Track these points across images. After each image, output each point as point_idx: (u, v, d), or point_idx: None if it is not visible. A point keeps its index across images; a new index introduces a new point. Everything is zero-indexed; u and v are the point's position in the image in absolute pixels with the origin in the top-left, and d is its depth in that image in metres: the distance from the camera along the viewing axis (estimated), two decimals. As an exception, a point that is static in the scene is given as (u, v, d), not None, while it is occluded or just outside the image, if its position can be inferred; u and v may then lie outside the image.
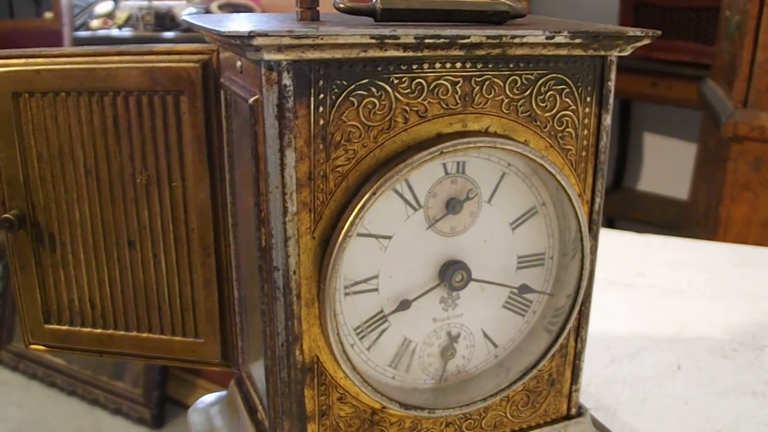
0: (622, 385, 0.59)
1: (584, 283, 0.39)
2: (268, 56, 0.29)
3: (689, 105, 2.22)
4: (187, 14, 0.40)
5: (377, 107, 0.32)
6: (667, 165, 2.47)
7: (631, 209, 2.48)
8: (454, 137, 0.33)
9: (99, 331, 0.47)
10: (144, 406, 2.02)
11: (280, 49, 0.29)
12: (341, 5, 0.32)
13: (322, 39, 0.29)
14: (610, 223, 2.51)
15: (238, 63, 0.34)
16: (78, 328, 0.47)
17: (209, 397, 0.49)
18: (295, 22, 0.33)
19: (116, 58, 0.41)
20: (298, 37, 0.28)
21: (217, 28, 0.30)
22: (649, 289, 0.77)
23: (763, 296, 0.74)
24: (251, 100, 0.31)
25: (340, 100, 0.31)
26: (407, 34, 0.30)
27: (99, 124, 0.42)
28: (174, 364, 0.48)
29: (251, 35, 0.28)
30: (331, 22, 0.33)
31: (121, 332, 0.47)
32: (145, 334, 0.47)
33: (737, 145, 1.55)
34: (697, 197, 2.04)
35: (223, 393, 0.48)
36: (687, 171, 2.28)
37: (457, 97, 0.33)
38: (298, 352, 0.34)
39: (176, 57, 0.41)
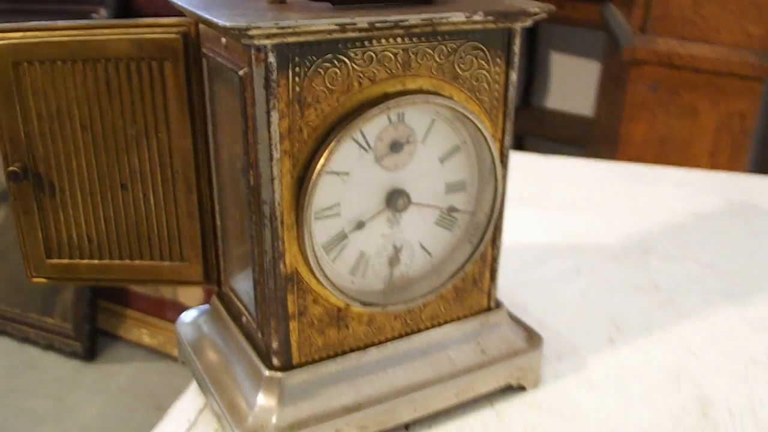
0: (531, 286, 0.71)
1: (498, 203, 0.51)
2: (258, 42, 0.38)
3: (593, 25, 2.36)
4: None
5: (338, 75, 0.41)
6: (572, 83, 2.60)
7: (539, 127, 2.62)
8: (396, 95, 0.43)
9: (96, 261, 0.56)
10: (75, 339, 2.06)
11: (268, 36, 0.38)
12: (306, -6, 0.41)
13: (299, 28, 0.38)
14: (520, 142, 2.65)
15: (223, 40, 0.43)
16: (77, 261, 0.56)
17: (193, 311, 0.59)
18: (266, 7, 0.42)
19: (107, 30, 0.49)
20: (282, 28, 0.37)
21: (216, 20, 0.39)
22: (552, 204, 0.89)
23: (650, 208, 0.88)
24: (241, 72, 0.40)
25: (310, 71, 0.40)
26: (362, 21, 0.39)
27: (93, 86, 0.50)
28: (163, 285, 0.57)
29: (249, 28, 0.37)
30: (296, 7, 0.42)
31: (116, 261, 0.56)
32: (137, 262, 0.56)
33: (636, 68, 1.68)
34: (601, 116, 2.18)
35: (205, 306, 0.58)
36: (592, 89, 2.43)
37: (398, 64, 0.43)
38: (282, 266, 0.44)
39: (160, 29, 0.48)
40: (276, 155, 0.41)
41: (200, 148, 0.52)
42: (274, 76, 0.39)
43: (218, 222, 0.52)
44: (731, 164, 1.73)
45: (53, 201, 0.54)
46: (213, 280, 0.56)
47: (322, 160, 0.42)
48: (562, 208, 0.88)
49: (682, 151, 1.75)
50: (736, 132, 1.69)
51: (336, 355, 0.49)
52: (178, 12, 0.48)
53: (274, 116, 0.40)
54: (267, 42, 0.38)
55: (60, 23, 0.49)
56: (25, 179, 0.53)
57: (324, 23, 0.39)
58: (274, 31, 0.37)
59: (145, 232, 0.54)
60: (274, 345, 0.47)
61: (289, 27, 0.38)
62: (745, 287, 0.71)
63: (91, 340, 2.07)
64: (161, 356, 2.10)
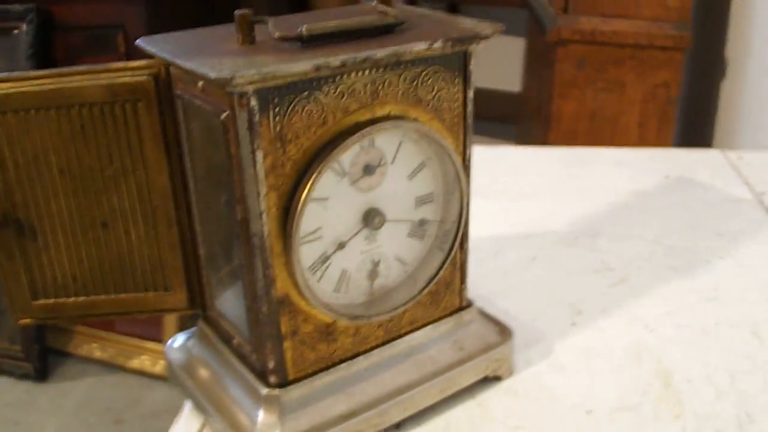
0: (492, 277, 0.75)
1: (464, 210, 0.54)
2: (240, 88, 0.40)
3: (514, 4, 2.42)
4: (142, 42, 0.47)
5: (314, 111, 0.44)
6: (498, 61, 2.66)
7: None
8: (367, 124, 0.46)
9: (83, 299, 0.57)
10: (25, 360, 2.03)
11: (250, 83, 0.40)
12: (277, 35, 0.44)
13: (279, 72, 0.40)
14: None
15: (200, 84, 0.45)
16: (63, 300, 0.57)
17: (181, 336, 0.61)
18: (237, 49, 0.44)
19: (79, 77, 0.50)
20: (264, 74, 0.40)
21: (199, 71, 0.41)
22: (500, 195, 0.93)
23: (593, 190, 0.93)
24: (223, 116, 0.43)
25: (289, 110, 0.43)
26: (335, 60, 0.42)
27: (68, 131, 0.52)
28: (148, 314, 0.59)
29: (233, 78, 0.39)
30: (267, 47, 0.44)
31: (102, 297, 0.57)
32: (123, 295, 0.57)
33: (562, 47, 1.74)
34: (529, 93, 2.24)
35: (191, 331, 0.60)
36: (518, 65, 2.50)
37: (367, 95, 0.46)
38: (273, 291, 0.47)
39: (131, 72, 0.50)
40: (263, 191, 0.44)
41: (177, 181, 0.54)
42: (257, 118, 0.42)
43: (201, 251, 0.54)
44: (659, 133, 1.82)
45: (35, 244, 0.55)
46: (197, 306, 0.58)
47: (306, 191, 0.45)
48: (509, 199, 0.92)
49: (612, 124, 1.82)
50: (662, 102, 1.77)
51: (327, 368, 0.52)
52: (146, 54, 0.50)
53: (259, 155, 0.43)
54: (249, 87, 0.41)
55: (32, 73, 0.51)
56: (6, 227, 0.54)
57: (301, 66, 0.41)
58: (257, 77, 0.40)
59: (128, 267, 0.56)
60: (270, 364, 0.50)
61: (270, 73, 0.40)
62: (690, 260, 0.76)
63: (42, 360, 2.04)
64: (114, 369, 2.09)
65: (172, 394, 2.02)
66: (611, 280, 0.74)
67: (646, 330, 0.66)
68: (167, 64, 0.49)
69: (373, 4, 0.51)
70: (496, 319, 0.61)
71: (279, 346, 0.49)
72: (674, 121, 1.79)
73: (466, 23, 0.50)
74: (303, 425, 0.50)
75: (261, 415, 0.50)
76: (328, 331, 0.51)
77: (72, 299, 0.57)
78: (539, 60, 1.94)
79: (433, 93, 0.49)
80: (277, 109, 0.43)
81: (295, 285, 0.48)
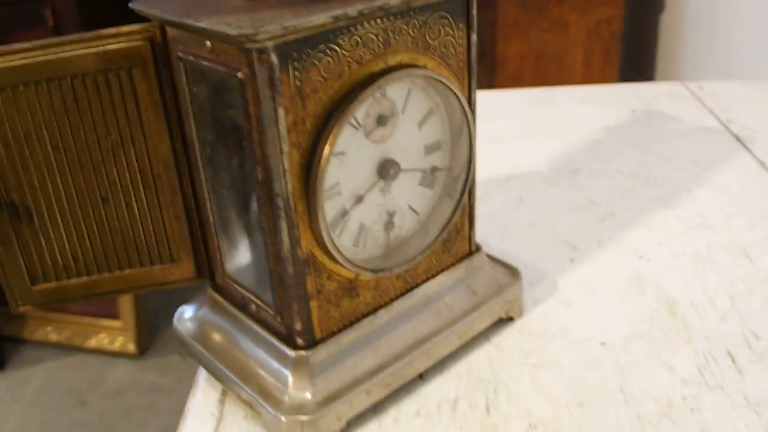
0: (484, 220, 0.75)
1: (472, 155, 0.54)
2: (261, 44, 0.39)
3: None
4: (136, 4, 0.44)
5: (331, 63, 0.43)
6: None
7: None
8: (381, 74, 0.45)
9: (86, 279, 0.55)
10: (-21, 351, 1.97)
11: (272, 38, 0.39)
12: (286, -12, 0.42)
13: (300, 25, 0.39)
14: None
15: (208, 43, 0.43)
16: (65, 282, 0.55)
17: (187, 307, 0.59)
18: (242, 5, 0.43)
19: (69, 46, 0.48)
20: (287, 28, 0.38)
21: (214, 28, 0.39)
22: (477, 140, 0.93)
23: (564, 129, 0.94)
24: (240, 74, 0.41)
25: (307, 64, 0.42)
26: (353, 10, 0.41)
27: (60, 105, 0.49)
28: (155, 289, 0.57)
29: (256, 33, 0.37)
30: (271, 2, 0.43)
31: (106, 275, 0.55)
32: (127, 271, 0.55)
33: (501, -9, 1.72)
34: None
35: (198, 301, 0.59)
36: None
37: (380, 44, 0.45)
38: (299, 251, 0.46)
39: (125, 38, 0.48)
40: (285, 149, 0.43)
41: (179, 148, 0.52)
42: (278, 74, 0.40)
43: (210, 218, 0.53)
44: (604, 69, 1.84)
45: (32, 227, 0.53)
46: (205, 275, 0.57)
47: (327, 147, 0.44)
48: (486, 142, 0.92)
49: (558, 63, 1.84)
50: (605, 38, 1.79)
51: (351, 324, 0.52)
52: (139, 17, 0.48)
53: (281, 113, 0.41)
54: (270, 43, 0.39)
55: (15, 46, 0.48)
56: (0, 212, 0.51)
57: (321, 18, 0.40)
58: (279, 32, 0.38)
59: (131, 241, 0.54)
60: (297, 326, 0.49)
61: (292, 27, 0.39)
62: (671, 190, 0.78)
63: (-3, 348, 1.99)
64: (72, 351, 2.05)
65: (135, 369, 2.00)
66: (599, 215, 0.75)
67: (642, 260, 0.67)
68: (162, 27, 0.47)
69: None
70: (503, 261, 0.62)
71: (306, 307, 0.49)
72: (618, 56, 1.81)
73: (466, -35, 0.49)
74: (333, 385, 0.50)
75: (291, 379, 0.49)
76: (351, 287, 0.51)
77: (74, 280, 0.55)
78: (479, 4, 1.92)
79: (440, 39, 0.49)
80: (296, 64, 0.41)
81: (319, 243, 0.47)
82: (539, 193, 0.80)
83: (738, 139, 0.88)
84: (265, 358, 0.52)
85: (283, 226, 0.46)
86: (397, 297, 0.54)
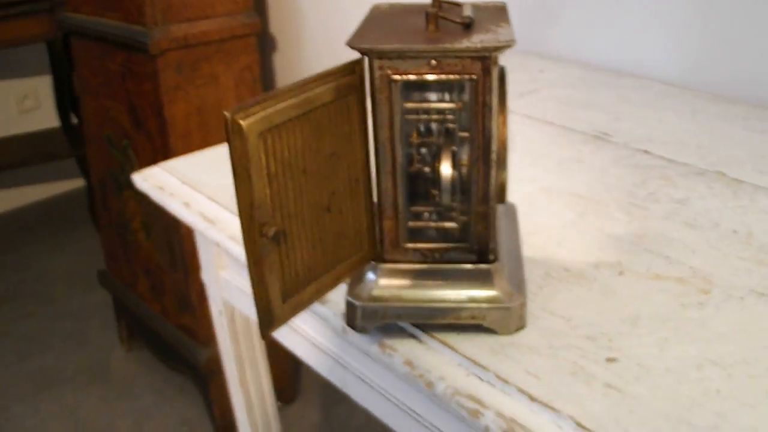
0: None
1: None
2: (491, 53, 0.60)
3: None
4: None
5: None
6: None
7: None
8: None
9: (313, 284, 0.65)
10: None
11: (495, 48, 0.61)
12: (458, 20, 0.64)
13: (500, 42, 0.62)
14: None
15: (433, 62, 0.62)
16: (301, 292, 0.64)
17: (362, 288, 0.72)
18: (434, 31, 0.63)
19: (315, 83, 0.59)
20: (501, 42, 0.61)
21: (454, 46, 0.59)
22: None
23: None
24: (474, 77, 0.61)
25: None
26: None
27: (309, 133, 0.60)
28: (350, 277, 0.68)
29: (495, 46, 0.60)
30: (442, 30, 0.64)
31: (325, 275, 0.66)
32: (338, 267, 0.67)
33: (161, 57, 1.91)
34: (118, 111, 2.22)
35: (365, 282, 0.72)
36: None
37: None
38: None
39: (348, 71, 0.62)
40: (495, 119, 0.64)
41: (368, 153, 0.67)
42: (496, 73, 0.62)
43: (392, 203, 0.68)
44: (253, 109, 2.13)
45: (285, 247, 0.62)
46: (377, 254, 0.71)
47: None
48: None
49: (216, 112, 2.07)
50: (249, 83, 2.09)
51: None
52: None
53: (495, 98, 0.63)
54: (495, 53, 0.61)
55: (281, 90, 0.58)
56: (277, 242, 0.60)
57: (507, 36, 0.63)
58: (496, 45, 0.60)
59: (342, 240, 0.67)
60: (491, 245, 0.69)
61: (504, 42, 0.61)
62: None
63: None
64: None
65: None
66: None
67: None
68: (363, 62, 0.63)
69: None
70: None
71: (494, 229, 0.70)
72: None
73: None
74: (514, 281, 0.72)
75: (496, 281, 0.69)
76: (502, 212, 0.73)
77: (307, 289, 0.65)
78: (143, 75, 1.98)
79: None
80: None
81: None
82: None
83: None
84: (467, 279, 0.70)
85: (493, 174, 0.66)
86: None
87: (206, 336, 2.04)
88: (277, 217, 0.60)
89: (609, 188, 0.91)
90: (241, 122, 0.54)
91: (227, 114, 0.53)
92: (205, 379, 2.07)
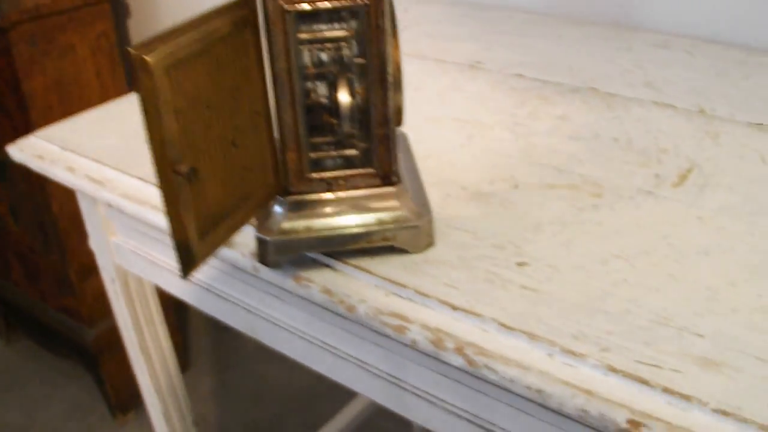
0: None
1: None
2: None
3: None
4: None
5: (393, -22, 0.68)
6: None
7: None
8: None
9: (226, 222, 0.66)
10: None
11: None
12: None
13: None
14: None
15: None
16: (215, 230, 0.65)
17: (270, 223, 0.74)
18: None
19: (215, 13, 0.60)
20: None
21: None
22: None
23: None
24: (363, 2, 0.64)
25: (395, -23, 0.67)
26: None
27: (211, 68, 0.61)
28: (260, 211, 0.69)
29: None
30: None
31: (237, 211, 0.67)
32: (248, 202, 0.68)
33: (14, 31, 1.81)
34: None
35: (272, 216, 0.74)
36: None
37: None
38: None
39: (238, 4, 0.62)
40: (390, 44, 0.67)
41: (264, 83, 0.68)
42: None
43: (292, 134, 0.69)
44: (113, 75, 2.06)
45: (198, 184, 0.62)
46: (283, 188, 0.72)
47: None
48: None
49: (77, 83, 1.99)
50: (106, 50, 2.01)
51: (401, 163, 0.77)
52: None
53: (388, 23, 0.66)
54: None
55: (180, 26, 0.58)
56: (190, 178, 0.60)
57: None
58: None
59: (249, 175, 0.68)
60: (393, 167, 0.72)
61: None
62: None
63: None
64: None
65: None
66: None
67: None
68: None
69: None
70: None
71: (395, 151, 0.73)
72: (120, 61, 2.06)
73: None
74: (416, 199, 0.76)
75: (397, 202, 0.73)
76: (399, 137, 0.76)
77: (221, 225, 0.66)
78: None
79: None
80: (394, -21, 0.66)
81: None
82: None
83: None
84: (373, 203, 0.73)
85: (390, 96, 0.69)
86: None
87: (90, 315, 1.98)
88: (187, 155, 0.60)
89: (491, 111, 0.96)
90: (147, 58, 0.54)
91: (132, 51, 0.53)
92: (94, 359, 2.02)
